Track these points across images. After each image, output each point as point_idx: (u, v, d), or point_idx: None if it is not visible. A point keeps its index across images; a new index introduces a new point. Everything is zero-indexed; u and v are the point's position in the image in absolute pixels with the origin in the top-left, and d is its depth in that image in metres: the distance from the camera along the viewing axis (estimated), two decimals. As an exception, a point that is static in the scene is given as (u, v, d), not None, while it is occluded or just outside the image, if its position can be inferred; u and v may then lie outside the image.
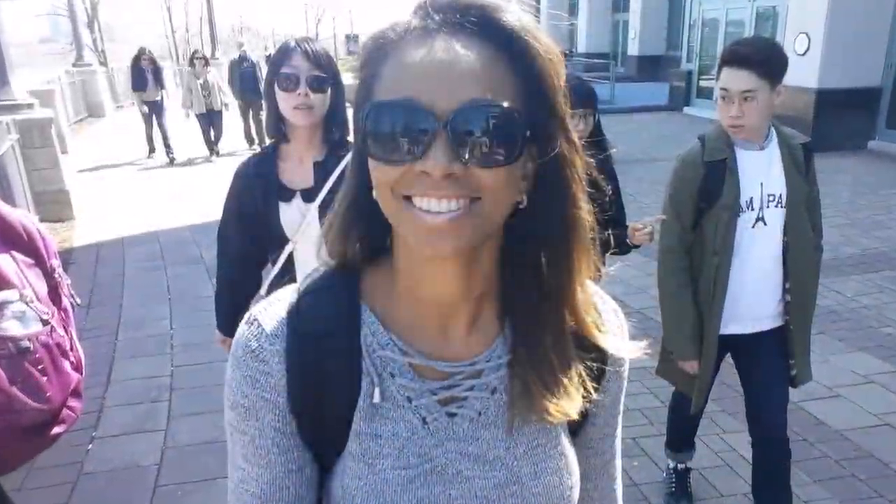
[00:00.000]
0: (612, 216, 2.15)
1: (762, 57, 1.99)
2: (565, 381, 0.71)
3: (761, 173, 2.14)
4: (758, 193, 2.14)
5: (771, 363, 2.27)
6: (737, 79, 2.01)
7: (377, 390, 0.70)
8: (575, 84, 2.32)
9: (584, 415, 0.76)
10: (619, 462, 0.88)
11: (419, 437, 0.72)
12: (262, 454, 0.71)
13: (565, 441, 0.77)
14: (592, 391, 0.73)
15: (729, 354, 2.39)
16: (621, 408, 0.84)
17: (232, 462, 0.74)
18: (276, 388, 0.69)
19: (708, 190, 2.15)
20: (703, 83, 13.63)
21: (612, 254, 2.06)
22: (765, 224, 2.15)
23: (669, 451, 2.74)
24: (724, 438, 3.10)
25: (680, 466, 2.74)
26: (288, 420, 0.70)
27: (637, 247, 2.41)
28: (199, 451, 3.10)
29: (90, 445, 3.18)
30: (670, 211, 2.24)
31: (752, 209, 2.14)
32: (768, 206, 2.14)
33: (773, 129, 2.16)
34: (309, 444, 0.73)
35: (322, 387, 0.70)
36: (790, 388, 2.29)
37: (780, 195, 2.13)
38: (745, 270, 2.17)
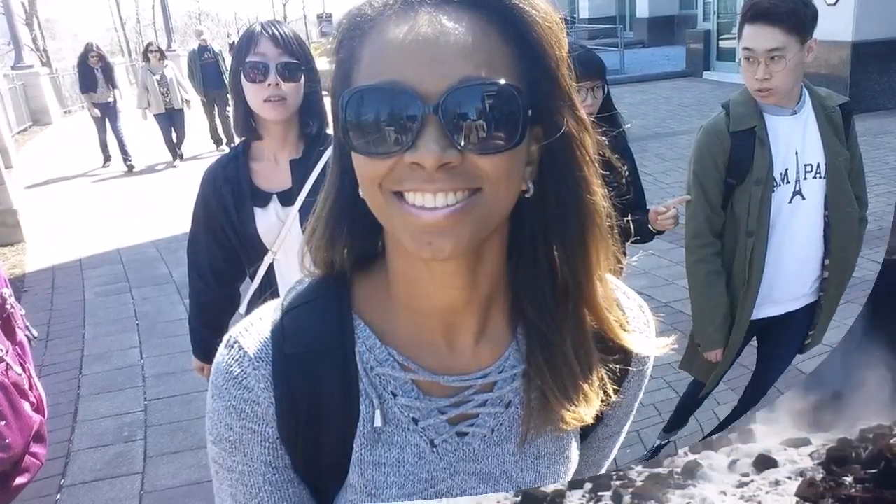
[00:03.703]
0: (631, 200, 2.15)
1: (788, 9, 1.98)
2: (586, 387, 0.71)
3: (796, 141, 2.14)
4: (793, 164, 2.14)
5: (792, 343, 2.40)
6: (761, 36, 2.01)
7: (378, 413, 0.70)
8: (579, 54, 2.31)
9: (598, 417, 0.76)
10: (614, 454, 0.91)
11: (426, 462, 0.72)
12: (252, 493, 0.71)
13: (574, 446, 0.79)
14: (612, 394, 0.74)
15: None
16: (636, 405, 0.85)
17: (220, 503, 0.74)
18: (264, 417, 0.69)
19: (736, 163, 2.15)
20: (723, 44, 13.61)
21: (632, 242, 2.06)
22: (803, 198, 2.15)
23: (663, 432, 2.87)
24: (717, 412, 3.19)
25: (663, 443, 2.86)
26: (279, 453, 0.70)
27: (661, 233, 2.41)
28: (182, 494, 3.10)
29: (59, 495, 3.18)
30: (696, 190, 2.25)
31: (788, 182, 2.14)
32: (806, 178, 2.14)
33: (805, 90, 2.16)
34: (305, 479, 0.73)
35: (316, 413, 0.70)
36: (798, 354, 2.42)
37: (819, 164, 2.14)
38: (783, 251, 2.18)
